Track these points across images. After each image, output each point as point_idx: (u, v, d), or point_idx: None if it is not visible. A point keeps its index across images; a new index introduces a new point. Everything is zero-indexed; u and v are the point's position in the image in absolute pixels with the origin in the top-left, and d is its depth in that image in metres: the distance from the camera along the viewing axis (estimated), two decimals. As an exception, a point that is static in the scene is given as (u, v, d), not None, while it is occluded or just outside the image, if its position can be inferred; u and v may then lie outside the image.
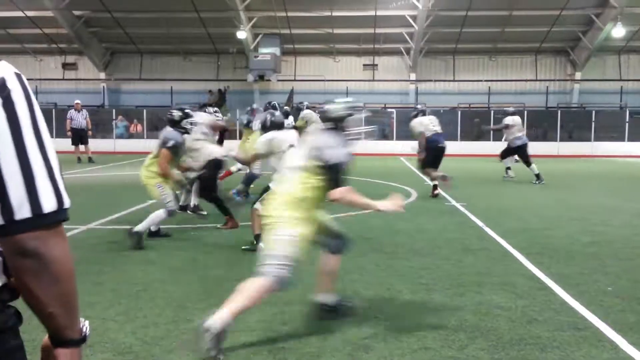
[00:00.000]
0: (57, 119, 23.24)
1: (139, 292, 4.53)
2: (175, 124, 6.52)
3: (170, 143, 6.32)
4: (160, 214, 6.32)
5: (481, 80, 27.77)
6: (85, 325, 1.31)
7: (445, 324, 3.83)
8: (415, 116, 12.12)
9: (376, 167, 16.60)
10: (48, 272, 1.13)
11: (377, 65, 28.49)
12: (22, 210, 1.06)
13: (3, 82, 1.08)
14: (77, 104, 18.54)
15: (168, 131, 6.51)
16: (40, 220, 1.08)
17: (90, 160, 18.10)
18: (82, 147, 18.47)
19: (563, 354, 3.36)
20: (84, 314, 3.93)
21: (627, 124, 24.98)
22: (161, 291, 4.56)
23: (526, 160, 13.23)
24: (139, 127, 26.15)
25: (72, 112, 18.33)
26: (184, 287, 4.68)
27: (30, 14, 25.37)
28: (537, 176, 12.89)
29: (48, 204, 1.09)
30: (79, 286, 4.52)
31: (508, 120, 13.78)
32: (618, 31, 23.95)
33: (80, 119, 18.18)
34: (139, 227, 6.13)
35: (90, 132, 19.14)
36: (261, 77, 26.30)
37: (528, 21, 25.06)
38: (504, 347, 3.45)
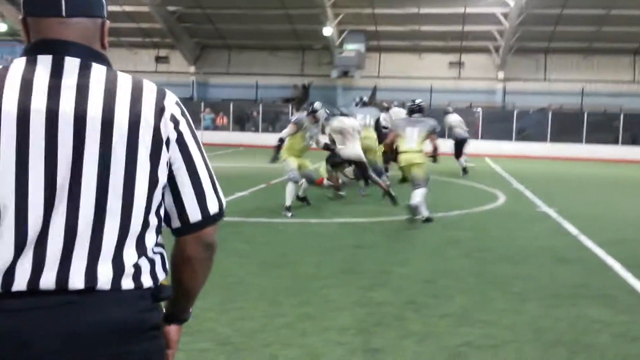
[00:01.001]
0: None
1: (233, 284, 4.67)
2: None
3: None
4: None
5: (574, 81, 26.57)
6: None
7: (542, 337, 3.71)
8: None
9: (460, 168, 16.27)
10: (212, 260, 1.41)
11: (463, 63, 27.83)
12: (210, 209, 1.34)
13: (174, 118, 1.30)
14: None
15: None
16: (215, 218, 1.36)
17: None
18: None
19: (673, 378, 3.19)
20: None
21: None
22: (254, 285, 4.68)
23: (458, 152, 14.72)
24: (225, 120, 26.90)
25: None
26: (276, 281, 4.79)
27: (127, 9, 26.61)
28: (464, 170, 14.21)
29: (218, 205, 1.37)
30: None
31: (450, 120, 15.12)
32: None
33: None
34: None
35: None
36: (345, 74, 26.37)
37: (626, 20, 23.68)
38: (608, 365, 3.31)
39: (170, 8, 26.63)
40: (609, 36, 25.00)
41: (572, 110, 25.97)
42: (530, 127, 25.16)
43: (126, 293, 1.23)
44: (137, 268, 1.25)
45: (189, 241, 1.34)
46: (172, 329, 1.43)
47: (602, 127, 24.51)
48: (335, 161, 9.42)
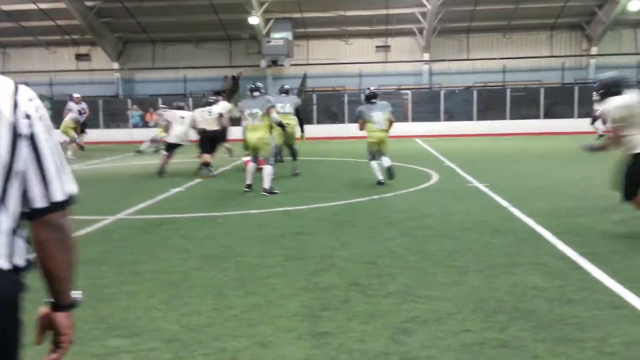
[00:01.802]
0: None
1: (178, 280, 4.60)
2: None
3: None
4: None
5: (496, 59, 27.52)
6: (78, 293, 1.65)
7: (483, 306, 3.86)
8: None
9: (394, 150, 16.57)
10: (67, 242, 1.54)
11: (389, 46, 28.31)
12: (55, 196, 1.50)
13: (27, 113, 1.46)
14: (77, 97, 19.21)
15: None
16: (64, 204, 1.53)
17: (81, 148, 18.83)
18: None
19: (604, 333, 3.39)
20: (126, 303, 4.03)
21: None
22: (199, 279, 4.63)
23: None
24: (155, 116, 26.23)
25: (71, 104, 19.09)
26: (220, 274, 4.75)
27: (42, 6, 25.47)
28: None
29: (64, 193, 1.53)
30: (118, 276, 4.68)
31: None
32: (634, 4, 23.58)
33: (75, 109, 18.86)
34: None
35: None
36: (274, 63, 26.25)
37: (543, -4, 24.73)
38: (545, 327, 3.48)
39: (88, 3, 25.67)
40: (526, 13, 26.01)
41: (495, 87, 26.90)
42: (457, 106, 25.88)
43: None
44: None
45: (39, 225, 1.50)
46: (59, 316, 1.59)
47: (524, 102, 25.52)
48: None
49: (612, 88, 5.74)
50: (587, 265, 4.76)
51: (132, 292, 4.32)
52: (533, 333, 3.40)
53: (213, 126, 12.01)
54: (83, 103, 19.57)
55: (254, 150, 9.42)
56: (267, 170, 9.14)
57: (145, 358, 3.17)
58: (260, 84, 9.63)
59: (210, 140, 11.97)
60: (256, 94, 9.27)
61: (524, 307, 3.83)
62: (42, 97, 25.05)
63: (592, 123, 18.75)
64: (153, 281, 4.60)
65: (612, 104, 5.59)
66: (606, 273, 4.51)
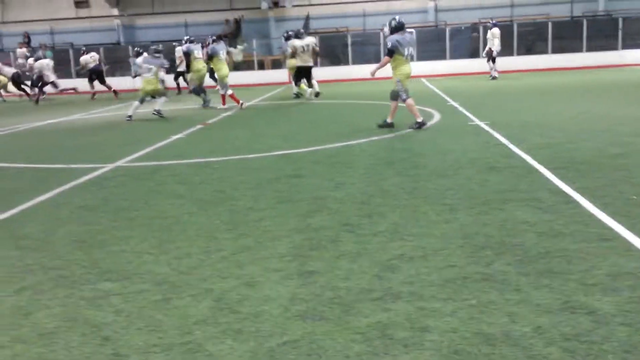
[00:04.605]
0: (75, 59, 23.20)
1: (171, 225, 4.64)
2: None
3: None
4: None
5: (503, -7, 26.73)
6: None
7: (470, 242, 3.87)
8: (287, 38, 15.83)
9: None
10: None
11: (394, -17, 27.53)
12: None
13: None
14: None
15: None
16: None
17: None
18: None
19: (590, 265, 3.40)
20: (119, 248, 4.08)
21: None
22: (191, 223, 4.67)
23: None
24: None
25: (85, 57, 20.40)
26: (213, 218, 4.79)
27: (37, -48, 24.89)
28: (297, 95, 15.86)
29: None
30: (113, 222, 4.72)
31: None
32: None
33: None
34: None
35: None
36: (275, 4, 25.69)
37: None
38: (530, 261, 3.50)
39: (84, -53, 25.00)
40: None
41: (502, 22, 26.22)
42: (463, 43, 25.34)
43: None
44: None
45: None
46: None
47: (532, 37, 24.92)
48: None
49: None
50: (580, 199, 4.74)
51: (125, 237, 4.37)
52: (518, 267, 3.42)
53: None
54: (93, 53, 20.40)
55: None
56: None
57: (134, 300, 3.23)
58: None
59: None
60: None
61: (511, 242, 3.84)
62: (44, 47, 24.90)
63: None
64: (146, 226, 4.64)
65: None
66: (598, 207, 4.49)
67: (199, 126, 11.04)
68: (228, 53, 15.39)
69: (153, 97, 12.97)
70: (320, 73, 22.07)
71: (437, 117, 10.55)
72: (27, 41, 26.93)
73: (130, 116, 12.71)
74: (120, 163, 7.53)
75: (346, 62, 24.95)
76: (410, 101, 9.15)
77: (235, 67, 21.19)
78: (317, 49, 15.96)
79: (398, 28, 9.00)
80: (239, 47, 22.00)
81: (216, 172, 6.70)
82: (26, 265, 3.86)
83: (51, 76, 20.07)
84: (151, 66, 12.70)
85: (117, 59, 26.35)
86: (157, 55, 12.90)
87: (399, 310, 2.92)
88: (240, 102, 14.12)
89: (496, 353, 2.49)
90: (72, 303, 3.22)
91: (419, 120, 9.19)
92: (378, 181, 5.79)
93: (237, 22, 27.30)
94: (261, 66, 25.13)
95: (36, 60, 20.41)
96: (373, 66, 9.57)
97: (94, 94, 20.49)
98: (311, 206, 4.99)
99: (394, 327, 2.75)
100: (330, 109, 13.48)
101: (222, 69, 14.16)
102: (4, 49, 27.94)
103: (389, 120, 9.39)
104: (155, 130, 10.85)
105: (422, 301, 3.02)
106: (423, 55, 24.76)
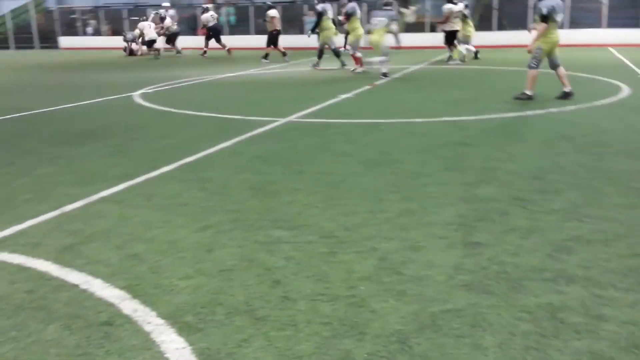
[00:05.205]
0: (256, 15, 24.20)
1: (337, 182, 4.78)
2: None
3: None
4: None
5: None
6: None
7: (660, 232, 3.51)
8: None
9: (580, 59, 15.11)
10: None
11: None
12: None
13: None
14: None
15: None
16: None
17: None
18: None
19: None
20: (289, 198, 4.28)
21: None
22: (357, 182, 4.76)
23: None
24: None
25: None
26: (378, 179, 4.83)
27: None
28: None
29: None
30: (284, 174, 4.99)
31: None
32: None
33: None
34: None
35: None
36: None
37: None
38: None
39: None
40: None
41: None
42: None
43: None
44: None
45: None
46: None
47: None
48: None
49: None
50: None
51: (295, 189, 4.58)
52: None
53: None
54: (213, 12, 21.75)
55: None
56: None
57: (303, 249, 3.39)
58: None
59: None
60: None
61: None
62: (227, 4, 26.44)
63: None
64: (314, 181, 4.82)
65: None
66: None
67: (367, 87, 11.12)
68: (400, 14, 15.24)
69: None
70: (494, 38, 21.03)
71: (626, 91, 9.59)
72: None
73: (385, 73, 12.44)
74: (292, 118, 7.85)
75: (525, 26, 23.44)
76: (534, 72, 8.65)
77: (407, 28, 20.90)
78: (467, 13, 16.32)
79: None
80: (411, 7, 21.60)
81: (383, 134, 6.73)
82: (209, 206, 4.21)
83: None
84: (381, 18, 12.35)
85: (290, 17, 27.20)
86: (386, 7, 12.73)
87: (573, 294, 2.76)
88: (360, 65, 14.05)
89: (685, 356, 2.26)
90: (248, 245, 3.47)
91: (528, 92, 8.72)
92: (555, 156, 5.44)
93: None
94: (432, 28, 24.51)
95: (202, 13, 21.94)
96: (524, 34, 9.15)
97: (205, 51, 21.52)
98: (479, 176, 4.84)
99: (566, 311, 2.60)
100: (504, 77, 12.83)
101: (358, 29, 14.20)
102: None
103: (566, 89, 8.84)
104: (325, 89, 11.14)
105: (599, 288, 2.81)
106: (613, 22, 22.52)
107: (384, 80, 12.09)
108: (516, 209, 4.01)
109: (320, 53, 15.21)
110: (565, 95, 8.76)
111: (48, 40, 32.63)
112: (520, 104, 8.54)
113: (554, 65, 8.80)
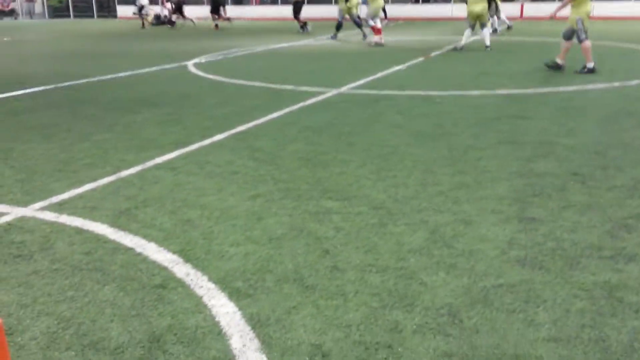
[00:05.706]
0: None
1: (388, 154, 4.72)
2: None
3: None
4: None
5: None
6: None
7: None
8: None
9: (630, 32, 14.38)
10: None
11: None
12: None
13: None
14: None
15: None
16: None
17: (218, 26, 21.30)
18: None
19: None
20: (339, 169, 4.25)
21: None
22: (408, 154, 4.69)
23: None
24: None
25: None
26: (430, 152, 4.75)
27: None
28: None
29: None
30: (335, 145, 4.95)
31: None
32: None
33: None
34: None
35: None
36: None
37: None
38: None
39: None
40: None
41: None
42: None
43: None
44: None
45: None
46: None
47: None
48: None
49: None
50: None
51: (346, 160, 4.56)
52: None
53: None
54: None
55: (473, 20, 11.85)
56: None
57: (352, 220, 3.38)
58: None
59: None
60: None
61: None
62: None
63: None
64: (365, 152, 4.78)
65: None
66: None
67: (420, 59, 10.91)
68: None
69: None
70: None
71: (696, 65, 9.08)
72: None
73: (488, 46, 12.28)
74: (343, 89, 7.79)
75: None
76: (588, 43, 8.41)
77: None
78: None
79: None
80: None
81: (436, 107, 6.60)
82: (260, 175, 4.24)
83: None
84: None
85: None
86: None
87: (632, 273, 2.65)
88: (379, 37, 13.93)
89: None
90: (298, 215, 3.48)
91: (590, 65, 8.46)
92: (616, 132, 5.22)
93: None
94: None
95: None
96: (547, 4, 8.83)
97: (216, 25, 21.45)
98: (536, 150, 4.69)
99: (624, 290, 2.51)
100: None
101: (378, 0, 14.21)
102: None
103: (559, 61, 8.77)
104: (377, 60, 10.99)
105: (662, 269, 2.70)
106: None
107: (439, 52, 11.82)
108: (574, 184, 3.87)
109: (359, 26, 15.35)
110: (556, 66, 8.77)
111: (106, 9, 33.32)
112: (582, 77, 8.21)
113: (568, 37, 8.63)
